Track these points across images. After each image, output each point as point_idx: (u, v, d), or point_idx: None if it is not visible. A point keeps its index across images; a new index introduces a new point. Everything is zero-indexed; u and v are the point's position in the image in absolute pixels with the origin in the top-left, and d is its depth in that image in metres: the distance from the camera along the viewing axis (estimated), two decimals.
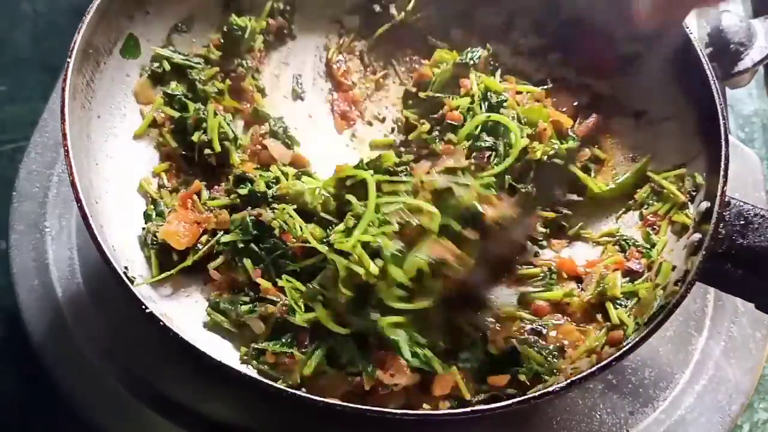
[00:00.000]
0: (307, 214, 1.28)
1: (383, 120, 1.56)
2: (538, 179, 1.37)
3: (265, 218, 1.25)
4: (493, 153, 1.35)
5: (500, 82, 1.47)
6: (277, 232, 1.24)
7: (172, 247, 1.26)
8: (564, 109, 1.47)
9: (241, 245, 1.25)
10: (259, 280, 1.23)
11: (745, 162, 1.55)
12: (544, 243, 1.40)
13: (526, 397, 1.10)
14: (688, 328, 1.40)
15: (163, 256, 1.27)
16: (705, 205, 1.25)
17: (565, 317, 1.30)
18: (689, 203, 1.32)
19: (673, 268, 1.25)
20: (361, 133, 1.55)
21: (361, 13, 1.59)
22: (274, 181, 1.33)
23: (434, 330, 1.20)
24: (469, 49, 1.49)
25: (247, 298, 1.25)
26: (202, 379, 1.28)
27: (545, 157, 1.36)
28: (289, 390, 1.08)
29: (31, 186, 1.47)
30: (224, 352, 1.23)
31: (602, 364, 1.10)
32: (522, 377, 1.20)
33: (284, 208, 1.26)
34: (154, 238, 1.26)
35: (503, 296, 1.32)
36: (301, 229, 1.25)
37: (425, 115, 1.47)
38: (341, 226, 1.23)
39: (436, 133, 1.42)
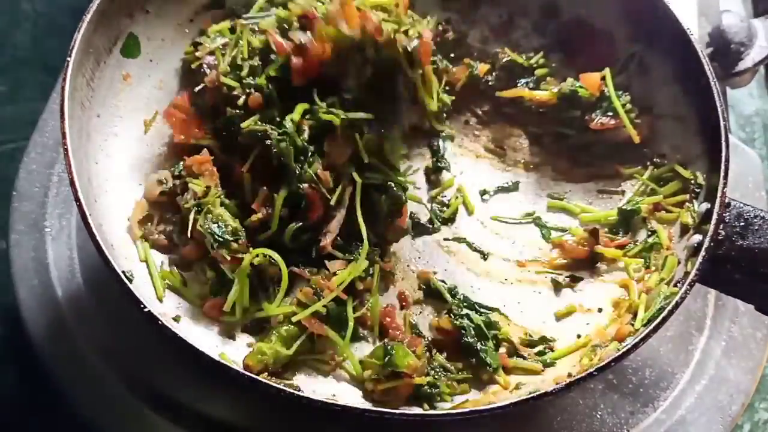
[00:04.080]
0: None
1: None
2: None
3: None
4: None
5: None
6: None
7: None
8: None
9: None
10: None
11: (746, 162, 1.55)
12: None
13: (526, 397, 1.10)
14: (689, 328, 1.40)
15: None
16: (705, 206, 1.25)
17: None
18: (693, 200, 1.32)
19: (679, 262, 1.25)
20: None
21: None
22: None
23: None
24: None
25: None
26: (202, 379, 1.28)
27: None
28: (288, 390, 1.08)
29: (31, 186, 1.47)
30: (224, 352, 1.23)
31: (602, 364, 1.10)
32: None
33: None
34: None
35: None
36: None
37: None
38: None
39: None
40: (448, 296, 1.33)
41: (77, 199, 1.14)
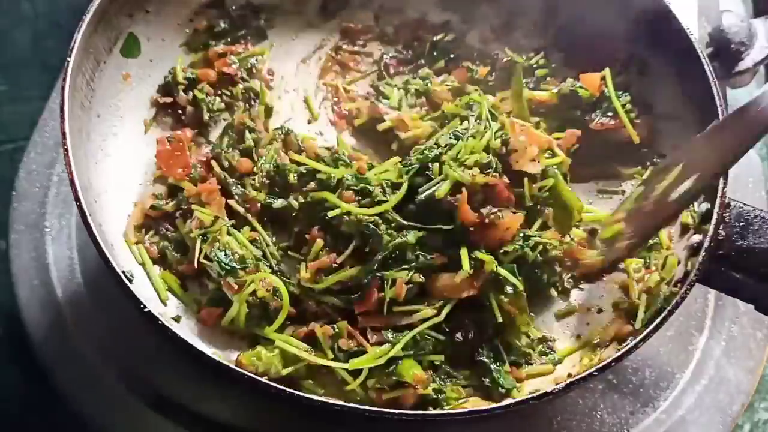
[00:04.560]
0: None
1: None
2: None
3: None
4: None
5: None
6: None
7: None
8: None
9: None
10: None
11: (746, 162, 1.55)
12: None
13: (526, 397, 1.10)
14: (689, 327, 1.40)
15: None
16: (705, 206, 1.25)
17: None
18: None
19: (679, 262, 1.25)
20: None
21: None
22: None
23: None
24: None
25: None
26: (202, 379, 1.28)
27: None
28: (288, 390, 1.08)
29: (30, 186, 1.47)
30: (224, 352, 1.23)
31: (602, 364, 1.10)
32: None
33: None
34: None
35: None
36: None
37: None
38: None
39: None
40: None
41: (77, 199, 1.14)
